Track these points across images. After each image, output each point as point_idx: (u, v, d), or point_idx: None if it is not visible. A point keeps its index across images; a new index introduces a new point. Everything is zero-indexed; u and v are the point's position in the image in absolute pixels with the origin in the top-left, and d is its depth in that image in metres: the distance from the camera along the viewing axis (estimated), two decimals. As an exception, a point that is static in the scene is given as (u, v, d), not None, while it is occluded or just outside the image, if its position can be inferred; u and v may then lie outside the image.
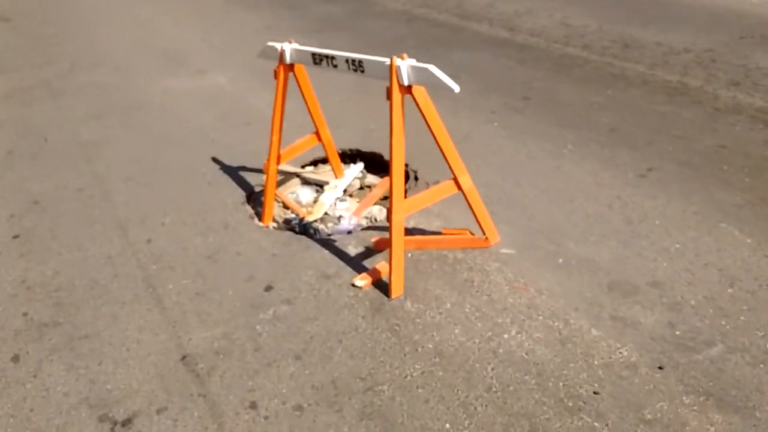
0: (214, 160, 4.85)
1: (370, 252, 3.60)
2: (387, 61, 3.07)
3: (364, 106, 5.48)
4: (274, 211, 4.29)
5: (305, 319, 3.11)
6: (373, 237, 3.69)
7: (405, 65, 2.99)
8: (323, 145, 4.31)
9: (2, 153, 5.40)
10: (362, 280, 3.31)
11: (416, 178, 4.36)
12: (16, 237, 4.11)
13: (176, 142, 5.24)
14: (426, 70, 2.93)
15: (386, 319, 3.05)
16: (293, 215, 4.26)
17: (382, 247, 3.59)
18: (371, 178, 4.70)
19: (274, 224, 4.15)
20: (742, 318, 2.84)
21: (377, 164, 4.81)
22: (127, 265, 3.70)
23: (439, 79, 2.89)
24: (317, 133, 4.23)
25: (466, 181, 3.34)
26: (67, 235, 4.07)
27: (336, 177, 4.54)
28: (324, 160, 4.86)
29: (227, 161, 4.81)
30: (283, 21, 8.45)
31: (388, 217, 3.17)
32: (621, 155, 4.22)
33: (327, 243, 3.73)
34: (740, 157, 4.05)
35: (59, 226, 4.18)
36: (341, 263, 3.51)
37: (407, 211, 3.23)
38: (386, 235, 3.70)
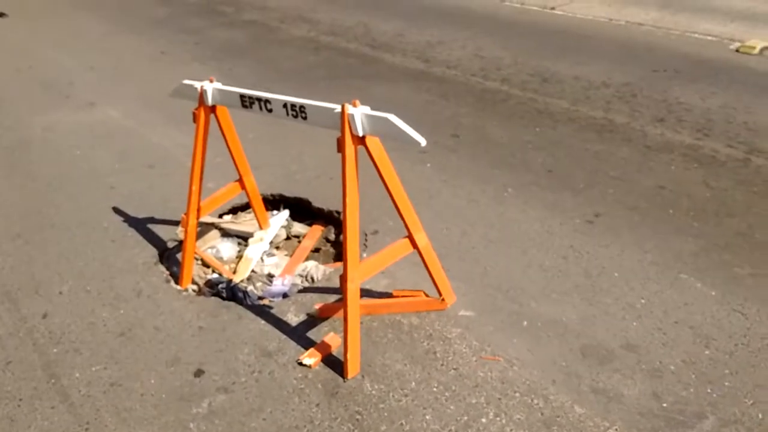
0: (116, 210, 4.24)
1: (314, 320, 3.17)
2: (337, 108, 2.69)
3: (282, 144, 5.05)
4: (196, 269, 3.78)
5: (248, 411, 2.64)
6: (316, 303, 3.27)
7: (359, 113, 2.63)
8: (247, 195, 3.87)
9: None
10: (310, 358, 2.89)
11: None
12: None
13: (68, 188, 4.57)
14: (386, 120, 2.58)
15: (345, 405, 2.65)
16: (216, 275, 3.76)
17: (327, 314, 3.19)
18: (298, 227, 4.28)
19: (194, 287, 3.64)
20: (727, 383, 2.67)
21: (302, 210, 4.40)
22: (22, 348, 3.08)
23: (402, 131, 2.55)
24: (241, 181, 3.77)
25: (421, 238, 3.00)
26: (-63, 311, 3.36)
27: (260, 228, 4.08)
28: (243, 207, 4.39)
29: (131, 212, 4.23)
30: (178, 47, 7.85)
31: (342, 285, 2.77)
32: (564, 199, 4.05)
33: (261, 310, 3.27)
34: (683, 198, 3.99)
35: (-74, 299, 3.46)
36: (282, 335, 3.07)
37: (363, 276, 2.84)
38: (329, 299, 3.31)
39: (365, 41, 7.53)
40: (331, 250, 4.03)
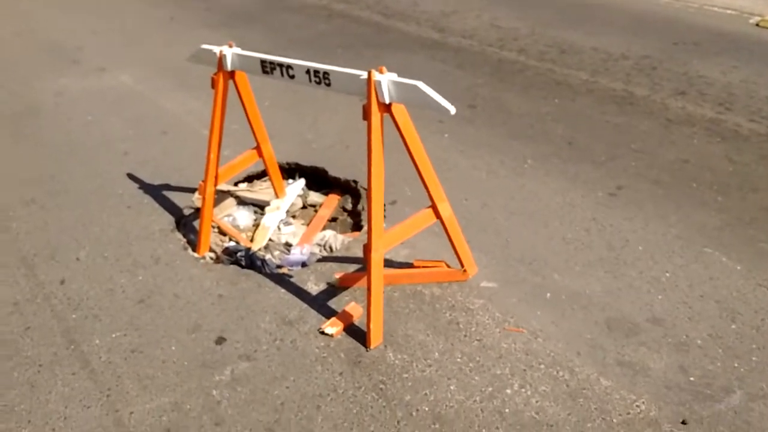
0: (130, 177, 4.20)
1: (334, 289, 3.14)
2: (363, 74, 2.62)
3: (298, 112, 4.98)
4: (213, 237, 3.74)
5: (271, 379, 2.63)
6: (336, 272, 3.23)
7: (386, 80, 2.57)
8: (265, 162, 3.82)
9: None
10: (332, 327, 2.86)
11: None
12: None
13: (81, 155, 4.52)
14: (414, 87, 2.51)
15: (368, 375, 2.63)
16: (233, 243, 3.73)
17: (348, 283, 3.16)
18: (314, 196, 4.23)
19: (212, 255, 3.61)
20: (754, 359, 2.64)
21: (319, 180, 4.35)
22: (40, 313, 3.06)
23: (431, 98, 2.49)
24: (258, 149, 3.72)
25: (445, 209, 2.96)
26: (-46, 276, 3.34)
27: (276, 196, 4.03)
28: (259, 175, 4.34)
29: (146, 178, 4.18)
30: (188, 12, 7.73)
31: (365, 254, 2.74)
32: (585, 171, 3.99)
33: (281, 279, 3.24)
34: (706, 172, 3.93)
35: (-57, 263, 3.44)
36: (302, 304, 3.04)
37: (386, 246, 2.81)
38: (349, 269, 3.28)
39: (378, 9, 7.41)
40: (349, 219, 3.99)
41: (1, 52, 6.66)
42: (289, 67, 2.96)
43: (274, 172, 3.91)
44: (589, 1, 7.42)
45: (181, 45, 6.55)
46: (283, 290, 3.14)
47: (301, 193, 4.20)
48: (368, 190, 2.69)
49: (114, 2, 8.35)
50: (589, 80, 5.27)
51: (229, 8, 7.77)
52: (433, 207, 2.94)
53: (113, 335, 2.90)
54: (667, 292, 3.01)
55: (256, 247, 3.64)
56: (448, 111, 2.47)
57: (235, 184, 4.27)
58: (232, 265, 3.41)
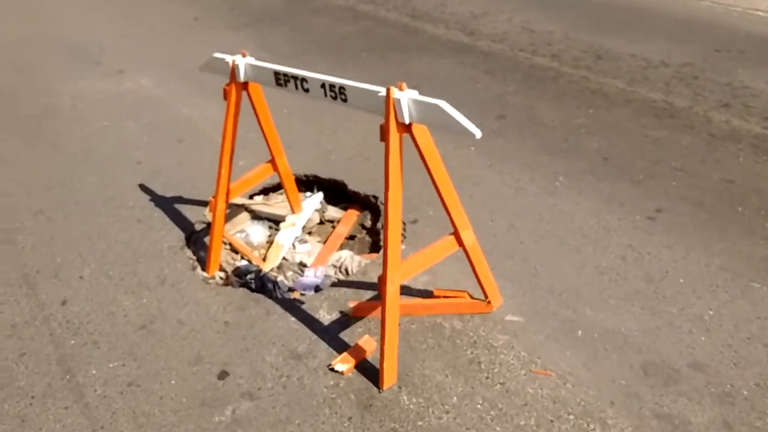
0: (142, 188, 4.04)
1: (347, 319, 2.93)
2: (382, 91, 2.40)
3: (317, 122, 4.78)
4: (224, 255, 3.56)
5: (275, 422, 2.43)
6: (350, 299, 3.02)
7: (406, 99, 2.34)
8: (280, 176, 3.62)
9: None
10: (343, 364, 2.65)
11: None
12: None
13: (95, 162, 4.38)
14: (436, 107, 2.28)
15: (380, 421, 2.41)
16: (244, 262, 3.54)
17: (362, 313, 2.94)
18: (332, 211, 4.02)
19: (222, 275, 3.42)
20: (811, 415, 2.37)
21: (337, 193, 4.14)
22: (38, 338, 2.90)
23: (454, 121, 2.26)
24: (273, 162, 3.52)
25: (468, 236, 2.72)
26: (-46, 292, 3.21)
27: (293, 211, 3.83)
28: (276, 188, 4.15)
29: (158, 189, 4.02)
30: (212, 12, 7.58)
31: (380, 288, 2.52)
32: (622, 191, 3.72)
33: (291, 305, 3.04)
34: (753, 195, 3.63)
35: (-56, 278, 3.31)
36: (312, 335, 2.84)
37: (403, 277, 2.58)
38: (364, 295, 3.06)
39: (405, 11, 7.17)
40: (367, 238, 3.77)
41: (25, 52, 6.57)
42: (303, 79, 2.75)
43: (290, 187, 3.71)
44: (627, 3, 7.09)
45: (203, 47, 6.40)
46: (293, 318, 2.94)
47: (319, 207, 3.99)
48: (384, 217, 2.46)
49: (143, 3, 8.22)
50: (627, 89, 4.97)
51: (253, 9, 7.61)
52: (456, 234, 2.71)
53: (111, 365, 2.73)
54: (711, 332, 2.74)
55: (268, 267, 3.44)
56: (473, 135, 2.24)
57: (251, 197, 4.09)
58: (241, 288, 3.22)
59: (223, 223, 3.39)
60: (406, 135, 2.43)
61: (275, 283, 3.25)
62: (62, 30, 7.21)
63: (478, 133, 2.23)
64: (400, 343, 2.66)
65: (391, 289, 2.49)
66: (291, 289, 3.27)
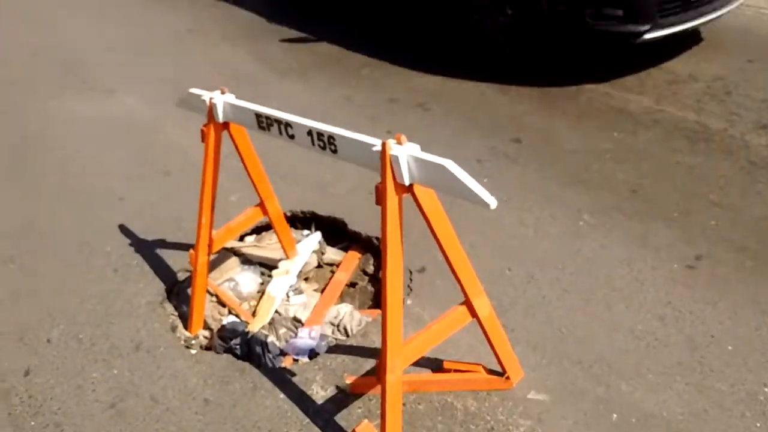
0: (122, 229, 3.67)
1: (344, 396, 2.54)
2: (377, 145, 2.01)
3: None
4: (209, 308, 3.20)
5: None
6: (348, 371, 2.63)
7: (405, 155, 1.95)
8: (271, 221, 3.26)
9: None
10: (338, 458, 2.27)
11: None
12: None
13: (73, 198, 4.02)
14: (441, 169, 1.89)
15: None
16: (232, 318, 3.17)
17: (361, 390, 2.55)
18: (331, 253, 3.65)
19: (206, 333, 3.06)
20: None
21: (337, 231, 3.76)
22: (-9, 420, 2.54)
23: (463, 185, 1.87)
24: (262, 205, 3.15)
25: (482, 306, 2.34)
26: None
27: (287, 256, 3.45)
28: (268, 227, 3.77)
29: (140, 231, 3.65)
30: (207, 24, 7.20)
31: (379, 375, 2.13)
32: (655, 232, 3.31)
33: (282, 377, 2.66)
34: (805, 237, 3.20)
35: None
36: (304, 418, 2.46)
37: (406, 362, 2.19)
38: (364, 364, 2.69)
39: (413, 19, 6.75)
40: (369, 287, 3.39)
41: (15, 71, 6.23)
42: (288, 124, 2.37)
43: (282, 230, 3.34)
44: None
45: (198, 61, 6.10)
46: (282, 395, 2.56)
47: (317, 247, 3.61)
48: (383, 294, 2.08)
49: (134, 11, 7.87)
50: (654, 108, 4.54)
51: (248, 18, 7.22)
52: (468, 304, 2.31)
53: (73, 457, 2.36)
54: (767, 417, 2.33)
55: (257, 325, 3.07)
56: (487, 204, 1.84)
57: (241, 238, 3.71)
58: (226, 353, 2.84)
59: (206, 278, 3.02)
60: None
61: (265, 345, 2.87)
62: (59, 44, 6.85)
63: (492, 203, 1.83)
64: (404, 428, 2.27)
65: (392, 378, 2.11)
66: (283, 353, 2.89)
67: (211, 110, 2.69)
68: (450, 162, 1.88)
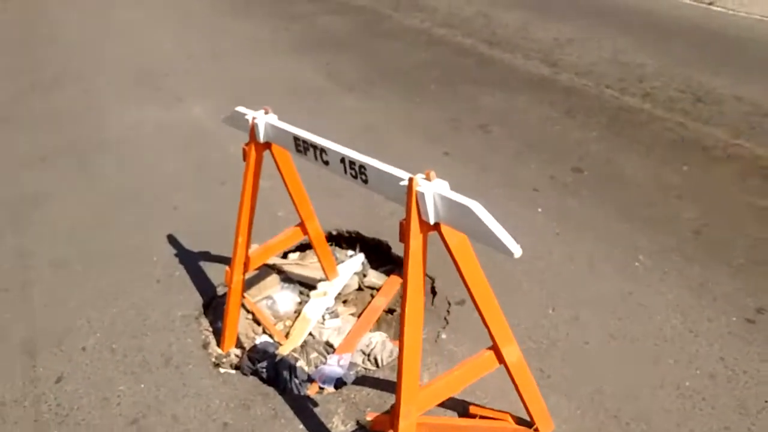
0: (171, 239, 3.72)
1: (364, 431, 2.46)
2: (404, 179, 1.92)
3: (372, 150, 4.32)
4: (245, 325, 3.19)
5: None
6: (371, 406, 2.54)
7: (431, 193, 1.85)
8: (311, 241, 3.21)
9: None
10: (349, 501, 2.18)
11: (434, 291, 3.22)
12: None
13: (131, 205, 4.12)
14: (467, 210, 1.78)
15: None
16: (264, 338, 3.14)
17: (381, 428, 2.46)
18: (373, 276, 3.57)
19: (237, 352, 3.03)
20: None
21: (381, 254, 3.68)
22: (22, 423, 2.62)
23: (488, 230, 1.75)
24: (302, 226, 3.10)
25: (511, 353, 2.20)
26: (-45, 357, 2.97)
27: (327, 278, 3.40)
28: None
29: (187, 242, 3.69)
30: (280, 34, 7.30)
31: (392, 420, 2.03)
32: (717, 280, 3.07)
33: (304, 407, 2.60)
34: None
35: (-50, 339, 3.09)
36: (321, 453, 2.38)
37: (422, 407, 2.09)
38: (389, 400, 2.58)
39: (483, 36, 6.63)
40: (407, 315, 3.28)
41: (96, 76, 6.49)
42: (323, 150, 2.32)
43: (323, 252, 3.29)
44: (735, 33, 6.26)
45: (264, 73, 6.14)
46: (301, 426, 2.50)
47: (359, 269, 3.55)
48: (400, 334, 1.98)
49: (212, 21, 8.08)
50: (730, 142, 4.25)
51: (325, 31, 7.27)
52: (496, 349, 2.19)
53: (90, 470, 2.37)
54: (829, 502, 2.09)
55: (288, 348, 3.03)
56: (511, 253, 1.71)
57: (284, 255, 3.69)
58: (252, 376, 2.81)
59: (240, 296, 3.00)
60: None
61: (293, 370, 2.82)
62: (140, 53, 7.13)
63: (517, 252, 1.70)
64: (421, 475, 2.16)
65: (405, 425, 2.00)
66: (310, 379, 2.83)
67: (253, 130, 2.67)
68: (476, 204, 1.77)
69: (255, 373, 2.84)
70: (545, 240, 3.46)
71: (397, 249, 3.53)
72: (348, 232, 3.74)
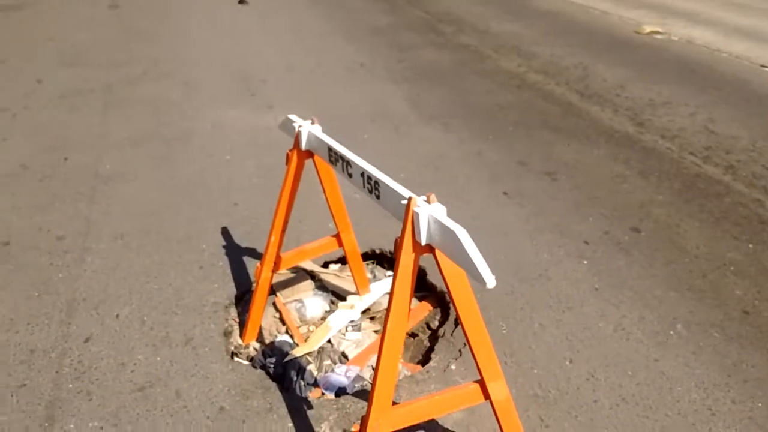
0: (224, 232, 3.91)
1: (347, 443, 2.49)
2: (405, 198, 1.97)
3: (435, 181, 4.38)
4: (270, 322, 3.30)
5: None
6: (357, 423, 2.57)
7: (426, 214, 1.89)
8: (345, 254, 3.29)
9: (15, 166, 4.74)
10: (312, 503, 2.21)
11: (457, 323, 3.21)
12: (-45, 286, 3.34)
13: (196, 195, 4.37)
14: (451, 234, 1.81)
15: None
16: (284, 338, 3.24)
17: (364, 441, 2.47)
18: (405, 299, 3.58)
19: (257, 346, 3.15)
20: None
21: (417, 279, 3.68)
22: (45, 372, 2.83)
23: (467, 256, 1.77)
24: (338, 237, 3.20)
25: (499, 390, 2.18)
26: (9, 302, 3.27)
27: (358, 292, 3.48)
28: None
29: (238, 237, 3.87)
30: (380, 61, 7.51)
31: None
32: (752, 363, 2.89)
33: (298, 407, 2.67)
34: None
35: (10, 285, 3.41)
36: (301, 455, 2.43)
37: (394, 424, 2.10)
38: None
39: (577, 87, 6.56)
40: (426, 342, 3.30)
41: (200, 76, 6.95)
42: (348, 163, 2.41)
43: (356, 265, 3.37)
44: None
45: (355, 95, 6.34)
46: (290, 424, 2.57)
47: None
48: (379, 349, 2.02)
49: (324, 40, 8.44)
50: (809, 229, 4.00)
51: (421, 64, 7.42)
52: (482, 383, 2.17)
53: (90, 424, 2.54)
54: None
55: (303, 350, 3.11)
56: (485, 282, 1.72)
57: (325, 265, 3.80)
58: (261, 369, 2.91)
59: (266, 292, 3.12)
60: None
61: (301, 372, 2.90)
62: (243, 54, 7.56)
63: (490, 282, 1.71)
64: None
65: (372, 441, 2.03)
66: (315, 383, 2.90)
67: (297, 137, 2.81)
68: (462, 230, 1.80)
69: (264, 367, 2.94)
70: (582, 292, 3.38)
71: (433, 276, 3.55)
72: (390, 252, 3.80)
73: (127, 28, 8.96)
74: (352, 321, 3.37)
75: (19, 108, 5.86)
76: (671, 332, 3.10)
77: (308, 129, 2.76)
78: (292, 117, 2.92)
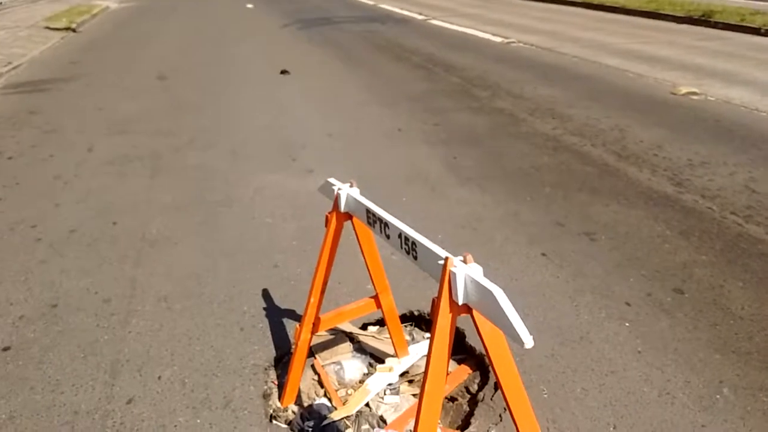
0: (265, 294, 3.98)
1: None
2: (441, 258, 2.01)
3: (472, 242, 4.40)
4: (309, 385, 3.31)
5: None
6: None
7: (463, 274, 1.92)
8: (384, 315, 3.31)
9: (65, 230, 4.92)
10: None
11: (497, 387, 3.17)
12: (6, 349, 3.45)
13: (237, 258, 4.46)
14: (490, 294, 1.83)
15: None
16: (323, 401, 3.24)
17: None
18: (444, 362, 3.56)
19: (295, 410, 3.15)
20: None
21: (456, 342, 3.68)
22: (85, 435, 2.85)
23: (504, 316, 1.78)
24: (376, 298, 3.23)
25: (539, 454, 2.13)
26: (56, 363, 3.35)
27: (396, 354, 3.47)
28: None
29: (278, 299, 3.93)
30: (416, 125, 7.66)
31: None
32: (805, 430, 2.78)
33: (336, 472, 2.64)
34: None
35: (58, 346, 3.50)
36: None
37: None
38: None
39: (614, 148, 6.57)
40: (466, 406, 3.26)
41: (241, 141, 7.19)
42: (386, 224, 2.46)
43: (394, 327, 3.39)
44: None
45: (392, 160, 6.46)
46: (327, 491, 2.54)
47: (431, 354, 3.57)
48: (418, 406, 2.02)
49: (363, 108, 8.66)
50: None
51: (457, 127, 7.55)
52: (522, 448, 2.14)
53: (131, 487, 2.55)
54: None
55: (341, 413, 3.10)
56: (522, 342, 1.73)
57: (364, 327, 3.81)
58: (299, 433, 2.91)
59: (305, 354, 3.15)
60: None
61: (338, 435, 2.89)
62: (283, 124, 7.82)
63: (528, 342, 1.72)
64: None
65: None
66: (350, 450, 2.89)
67: (336, 199, 2.88)
68: (499, 290, 1.82)
69: (302, 430, 2.94)
70: (623, 355, 3.32)
71: (471, 339, 3.53)
72: (428, 314, 3.80)
73: (174, 98, 9.36)
74: (390, 384, 3.36)
75: (71, 176, 6.13)
76: (717, 396, 3.01)
77: (347, 192, 2.83)
78: (332, 180, 3.00)
